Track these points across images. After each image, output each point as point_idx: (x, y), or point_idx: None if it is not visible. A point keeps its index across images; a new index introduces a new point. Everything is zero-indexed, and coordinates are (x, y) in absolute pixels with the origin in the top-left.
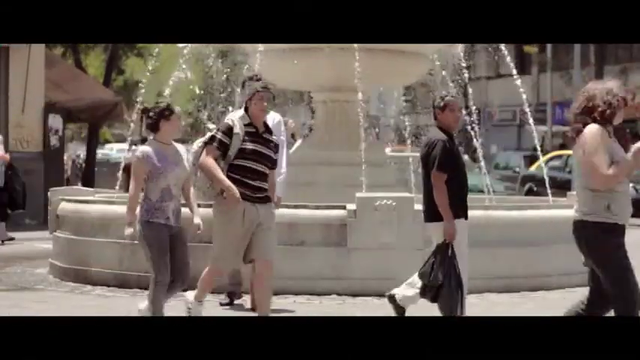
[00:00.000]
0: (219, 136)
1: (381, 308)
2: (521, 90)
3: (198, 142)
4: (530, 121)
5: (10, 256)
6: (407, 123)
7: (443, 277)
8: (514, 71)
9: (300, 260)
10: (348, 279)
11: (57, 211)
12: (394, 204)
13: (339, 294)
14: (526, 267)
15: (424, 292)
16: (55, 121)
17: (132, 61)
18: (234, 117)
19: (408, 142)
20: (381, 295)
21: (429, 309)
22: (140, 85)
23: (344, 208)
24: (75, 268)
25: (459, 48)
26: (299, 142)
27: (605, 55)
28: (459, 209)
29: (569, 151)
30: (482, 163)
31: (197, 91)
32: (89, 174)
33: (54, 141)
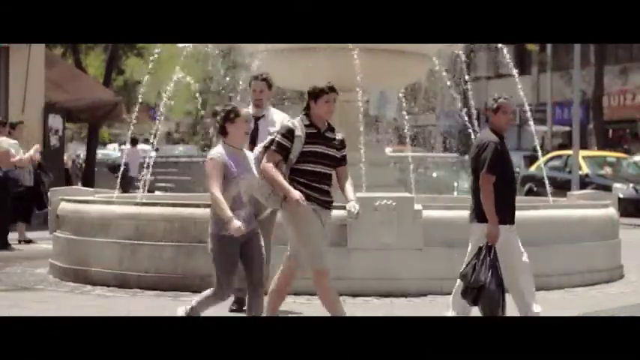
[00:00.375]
0: (279, 139)
1: (381, 308)
2: (520, 87)
3: (259, 147)
4: (530, 121)
5: (10, 256)
6: (406, 123)
7: (484, 278)
8: (514, 71)
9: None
10: (348, 279)
11: (57, 211)
12: (394, 204)
13: (339, 294)
14: None
15: (465, 294)
16: (55, 121)
17: (132, 61)
18: (294, 119)
19: (408, 141)
20: (380, 295)
21: (429, 309)
22: (140, 84)
23: (344, 208)
24: (75, 268)
25: (460, 47)
26: None
27: (605, 55)
28: (506, 214)
29: (569, 151)
30: None
31: (196, 91)
32: (89, 174)
33: (54, 141)
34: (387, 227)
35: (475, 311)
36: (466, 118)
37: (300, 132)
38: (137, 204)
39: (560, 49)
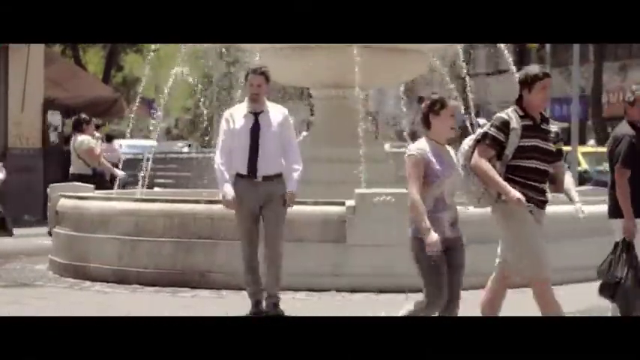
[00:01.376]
0: (492, 132)
1: (380, 304)
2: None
3: (468, 141)
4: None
5: (10, 252)
6: (404, 119)
7: (620, 275)
8: (513, 68)
9: (299, 257)
10: (347, 275)
11: (56, 207)
12: (393, 200)
13: (338, 290)
14: None
15: (602, 290)
16: (54, 118)
17: (131, 58)
18: (508, 110)
19: (407, 137)
20: (380, 291)
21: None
22: (140, 80)
23: (343, 204)
24: (74, 264)
25: (458, 45)
26: (300, 138)
27: (604, 53)
28: None
29: (568, 147)
30: None
31: (196, 86)
32: None
33: (53, 137)
34: (386, 223)
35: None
36: (465, 114)
37: (515, 124)
38: (137, 200)
39: (560, 46)
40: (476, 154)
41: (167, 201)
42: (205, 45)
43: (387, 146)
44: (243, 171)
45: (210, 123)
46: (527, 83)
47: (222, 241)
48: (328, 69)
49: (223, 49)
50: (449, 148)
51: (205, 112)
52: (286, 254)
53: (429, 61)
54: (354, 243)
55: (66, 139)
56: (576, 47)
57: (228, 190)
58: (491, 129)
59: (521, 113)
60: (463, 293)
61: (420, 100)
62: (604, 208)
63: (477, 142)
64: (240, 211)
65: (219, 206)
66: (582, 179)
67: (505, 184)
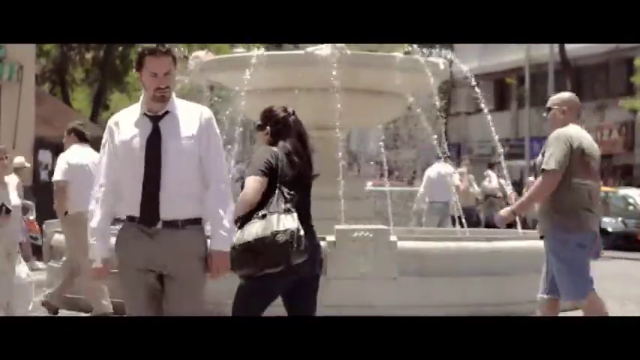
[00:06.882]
0: None
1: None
2: (492, 128)
3: None
4: (501, 157)
5: None
6: (384, 159)
7: None
8: (485, 110)
9: None
10: (326, 306)
11: (51, 242)
12: (371, 235)
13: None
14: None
15: None
16: (45, 156)
17: (116, 97)
18: None
19: (386, 178)
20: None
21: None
22: None
23: (324, 239)
24: (69, 297)
25: (434, 90)
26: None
27: (582, 92)
28: None
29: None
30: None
31: None
32: None
33: (44, 175)
34: (364, 257)
35: None
36: (442, 154)
37: None
38: None
39: (539, 83)
40: None
41: None
42: (191, 83)
43: (369, 184)
44: (134, 212)
45: None
46: None
47: None
48: (308, 112)
49: (207, 93)
50: None
51: None
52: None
53: (406, 103)
54: (334, 276)
55: None
56: (551, 86)
57: (98, 251)
58: None
59: None
60: None
61: None
62: None
63: None
64: (126, 278)
65: None
66: None
67: None
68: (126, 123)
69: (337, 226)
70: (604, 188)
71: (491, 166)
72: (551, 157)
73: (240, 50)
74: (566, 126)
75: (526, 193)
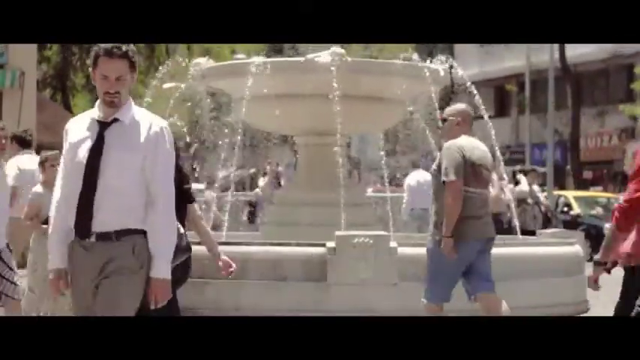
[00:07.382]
0: None
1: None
2: (492, 133)
3: None
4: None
5: None
6: (384, 165)
7: None
8: (486, 116)
9: (283, 294)
10: (327, 312)
11: None
12: (371, 241)
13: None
14: None
15: None
16: None
17: None
18: None
19: (387, 184)
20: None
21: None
22: None
23: (324, 245)
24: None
25: (434, 95)
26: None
27: (582, 98)
28: None
29: (565, 192)
30: None
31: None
32: None
33: None
34: (364, 263)
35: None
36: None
37: None
38: None
39: (539, 90)
40: None
41: None
42: (191, 90)
43: (369, 190)
44: (73, 223)
45: (202, 165)
46: None
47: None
48: (309, 119)
49: (209, 99)
50: None
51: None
52: (272, 292)
53: (406, 109)
54: (335, 282)
55: None
56: (551, 92)
57: (50, 264)
58: None
59: None
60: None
61: None
62: (570, 249)
63: None
64: (73, 293)
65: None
66: (576, 223)
67: None
68: (77, 127)
69: (337, 233)
70: (606, 194)
71: (524, 173)
72: (448, 169)
73: (240, 56)
74: (458, 137)
75: (445, 216)
